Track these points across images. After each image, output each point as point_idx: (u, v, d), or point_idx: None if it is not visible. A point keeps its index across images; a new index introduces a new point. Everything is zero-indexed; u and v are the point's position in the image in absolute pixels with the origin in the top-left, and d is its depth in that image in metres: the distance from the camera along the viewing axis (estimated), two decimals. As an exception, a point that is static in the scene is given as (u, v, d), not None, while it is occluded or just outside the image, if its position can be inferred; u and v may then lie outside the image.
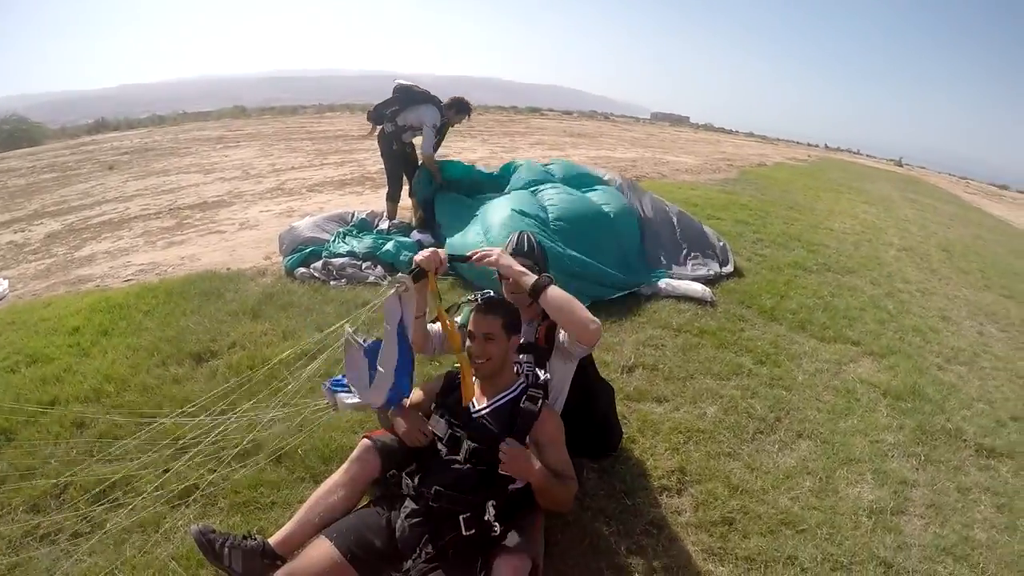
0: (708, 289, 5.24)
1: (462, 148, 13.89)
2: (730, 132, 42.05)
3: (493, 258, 2.41)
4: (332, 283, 5.13)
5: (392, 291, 2.37)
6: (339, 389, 2.93)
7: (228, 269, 5.61)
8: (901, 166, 35.46)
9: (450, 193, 6.31)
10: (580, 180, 6.50)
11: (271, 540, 2.15)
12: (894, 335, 5.20)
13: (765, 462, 3.19)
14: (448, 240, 5.51)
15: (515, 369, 2.49)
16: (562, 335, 2.52)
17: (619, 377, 3.86)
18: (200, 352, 3.95)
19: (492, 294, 2.52)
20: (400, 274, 2.47)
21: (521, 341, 2.49)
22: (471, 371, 2.32)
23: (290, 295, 4.87)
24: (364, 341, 2.56)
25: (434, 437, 2.32)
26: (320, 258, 5.44)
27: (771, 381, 4.05)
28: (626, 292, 5.14)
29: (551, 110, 37.92)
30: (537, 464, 2.13)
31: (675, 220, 6.43)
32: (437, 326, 2.64)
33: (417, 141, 6.28)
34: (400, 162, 6.42)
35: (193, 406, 2.90)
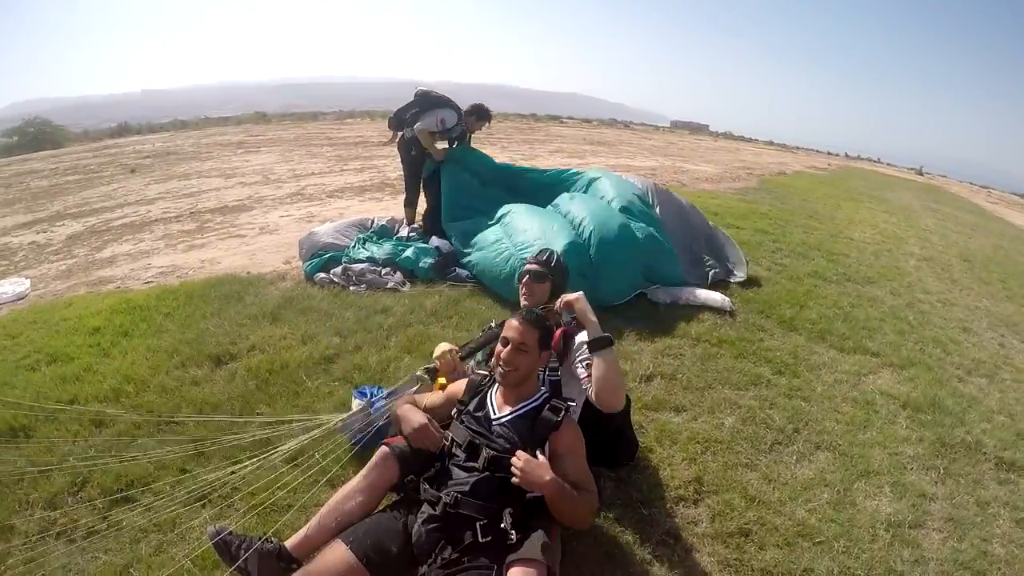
0: (727, 299, 5.20)
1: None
2: (750, 140, 41.93)
3: (572, 298, 2.64)
4: (352, 288, 5.15)
5: (412, 388, 2.83)
6: (360, 397, 3.06)
7: (248, 273, 5.65)
8: (922, 175, 35.17)
9: (461, 174, 6.22)
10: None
11: (287, 543, 2.17)
12: (914, 346, 5.14)
13: (783, 473, 3.16)
14: (470, 241, 5.56)
15: (539, 378, 2.50)
16: (579, 367, 2.64)
17: (637, 386, 3.85)
18: (219, 354, 3.98)
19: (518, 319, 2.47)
20: (418, 372, 2.92)
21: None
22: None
23: (309, 300, 4.89)
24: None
25: (452, 442, 2.32)
26: (340, 263, 5.46)
27: (790, 392, 4.02)
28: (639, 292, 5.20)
29: (571, 118, 38.00)
30: (549, 475, 2.09)
31: (692, 222, 6.39)
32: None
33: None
34: (419, 168, 6.44)
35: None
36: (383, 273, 5.37)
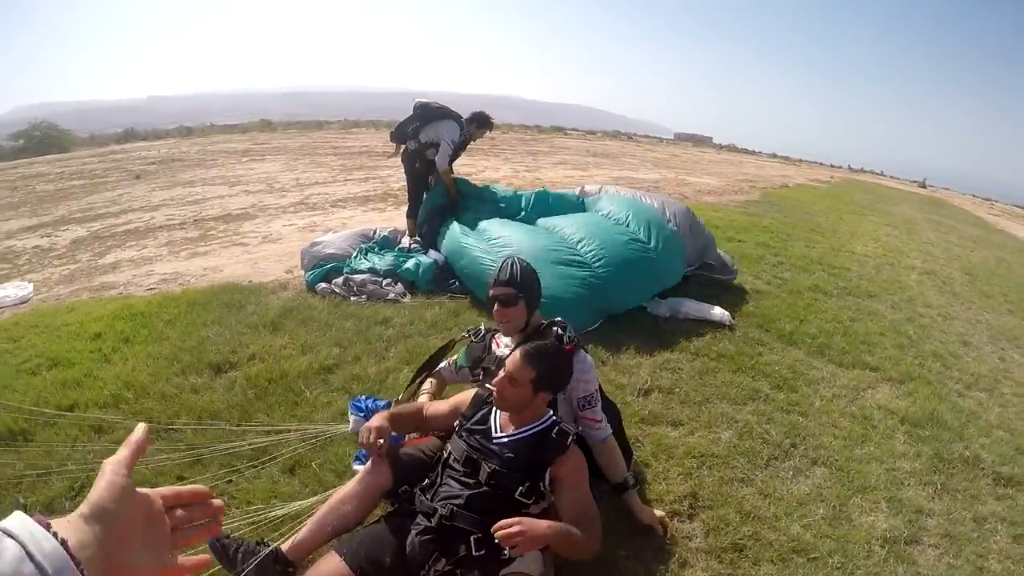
0: (727, 313, 5.19)
1: (485, 166, 14.00)
2: (753, 153, 41.98)
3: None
4: (352, 299, 5.17)
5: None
6: (355, 413, 3.07)
7: (250, 282, 5.69)
8: (925, 187, 35.19)
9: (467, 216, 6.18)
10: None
11: (283, 546, 2.19)
12: (914, 361, 5.14)
13: (779, 488, 3.16)
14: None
15: (547, 404, 2.37)
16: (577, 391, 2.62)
17: (635, 400, 3.84)
18: (219, 363, 4.00)
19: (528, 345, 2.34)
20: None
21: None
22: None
23: (310, 310, 4.91)
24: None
25: (449, 454, 2.32)
26: (341, 274, 5.49)
27: (788, 407, 4.01)
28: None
29: (575, 130, 38.11)
30: (545, 526, 1.95)
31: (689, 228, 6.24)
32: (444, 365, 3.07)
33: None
34: (422, 180, 6.47)
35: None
36: (384, 284, 5.39)
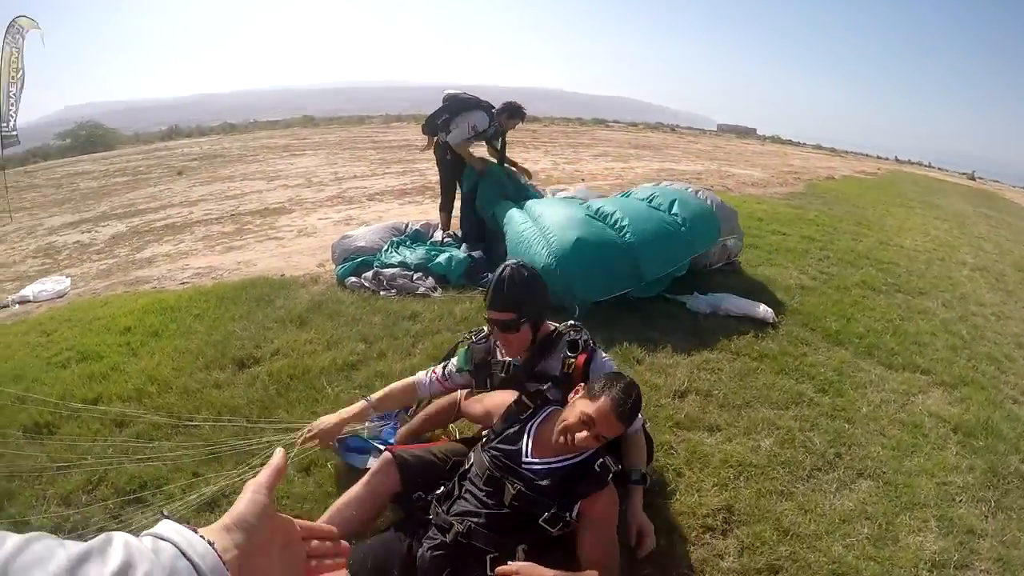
0: (770, 310, 4.95)
1: (525, 159, 13.63)
2: (798, 144, 40.97)
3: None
4: (382, 293, 5.09)
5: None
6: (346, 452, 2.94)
7: (281, 275, 5.66)
8: (974, 180, 33.82)
9: (499, 188, 6.19)
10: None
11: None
12: (967, 363, 4.80)
13: (821, 503, 2.92)
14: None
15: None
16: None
17: (670, 403, 3.63)
18: (243, 358, 3.96)
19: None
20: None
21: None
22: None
23: (338, 304, 4.85)
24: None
25: (471, 466, 2.20)
26: (371, 268, 5.41)
27: (833, 412, 3.75)
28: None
29: (616, 121, 37.70)
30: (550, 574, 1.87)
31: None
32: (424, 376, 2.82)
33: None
34: (454, 173, 6.37)
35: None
36: (415, 278, 5.30)
